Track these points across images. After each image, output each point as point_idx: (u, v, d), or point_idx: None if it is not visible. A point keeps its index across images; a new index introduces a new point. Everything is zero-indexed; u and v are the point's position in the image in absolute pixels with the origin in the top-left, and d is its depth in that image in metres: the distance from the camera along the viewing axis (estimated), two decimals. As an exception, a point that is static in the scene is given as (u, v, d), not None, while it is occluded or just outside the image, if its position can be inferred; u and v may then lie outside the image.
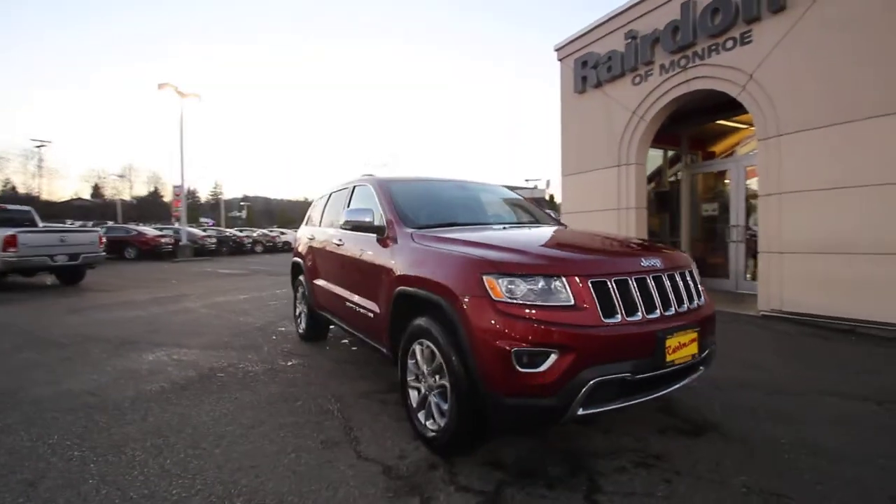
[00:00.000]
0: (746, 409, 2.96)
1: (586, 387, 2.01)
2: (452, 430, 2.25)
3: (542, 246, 2.51)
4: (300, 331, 5.05)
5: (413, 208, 3.30)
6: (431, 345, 2.41)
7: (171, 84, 18.16)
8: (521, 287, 2.09)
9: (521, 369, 2.01)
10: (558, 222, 3.99)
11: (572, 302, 2.07)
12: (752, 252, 6.82)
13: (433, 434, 2.38)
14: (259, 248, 28.07)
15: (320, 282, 4.31)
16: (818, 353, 4.33)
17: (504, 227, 3.19)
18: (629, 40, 7.18)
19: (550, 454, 2.44)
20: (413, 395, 2.66)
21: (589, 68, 7.94)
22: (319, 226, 4.68)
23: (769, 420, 2.81)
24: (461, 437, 2.27)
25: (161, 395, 3.36)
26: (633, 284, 2.21)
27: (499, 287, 2.10)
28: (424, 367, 2.52)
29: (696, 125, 8.09)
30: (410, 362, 2.65)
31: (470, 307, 2.13)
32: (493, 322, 2.06)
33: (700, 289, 2.59)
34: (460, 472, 2.26)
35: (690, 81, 6.45)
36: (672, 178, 8.87)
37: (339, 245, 3.83)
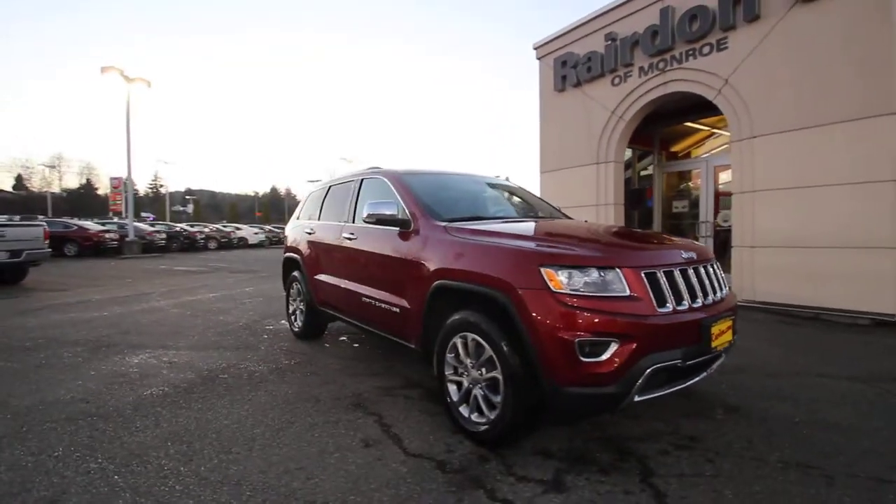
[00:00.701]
0: (754, 392, 3.17)
1: (645, 374, 2.08)
2: (507, 421, 2.26)
3: (589, 239, 2.56)
4: (295, 329, 4.87)
5: (435, 202, 3.26)
6: (478, 338, 2.40)
7: (117, 68, 16.79)
8: (580, 278, 2.13)
9: (583, 359, 2.05)
10: (565, 215, 4.08)
11: (628, 292, 2.13)
12: (720, 246, 7.27)
13: (484, 427, 2.38)
14: (213, 245, 26.67)
15: (324, 277, 4.17)
16: (795, 339, 4.70)
17: (533, 221, 3.23)
18: (609, 42, 7.43)
19: (593, 442, 2.50)
20: (452, 389, 2.64)
21: (569, 68, 8.14)
22: (319, 220, 4.53)
23: (777, 401, 3.03)
24: (515, 429, 2.29)
25: (166, 400, 3.14)
26: (678, 275, 2.31)
27: (558, 279, 2.12)
28: (468, 361, 2.51)
29: (667, 126, 8.50)
30: (450, 356, 2.63)
31: (529, 299, 2.15)
32: (554, 313, 2.09)
33: (724, 279, 2.74)
34: (514, 462, 2.28)
35: (668, 84, 6.78)
36: (640, 176, 9.29)
37: (350, 239, 3.72)
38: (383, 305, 3.23)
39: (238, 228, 32.44)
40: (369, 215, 3.16)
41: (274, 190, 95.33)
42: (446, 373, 2.66)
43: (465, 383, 2.54)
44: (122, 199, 33.73)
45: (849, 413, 2.83)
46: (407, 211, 3.12)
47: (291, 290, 4.99)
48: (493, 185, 4.12)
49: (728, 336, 2.41)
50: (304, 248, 4.59)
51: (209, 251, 25.24)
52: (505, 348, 2.24)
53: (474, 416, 2.48)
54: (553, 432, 2.59)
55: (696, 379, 2.39)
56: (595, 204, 7.83)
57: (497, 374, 2.31)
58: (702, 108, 7.18)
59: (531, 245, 2.34)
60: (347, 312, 3.86)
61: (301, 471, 2.21)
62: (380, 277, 3.29)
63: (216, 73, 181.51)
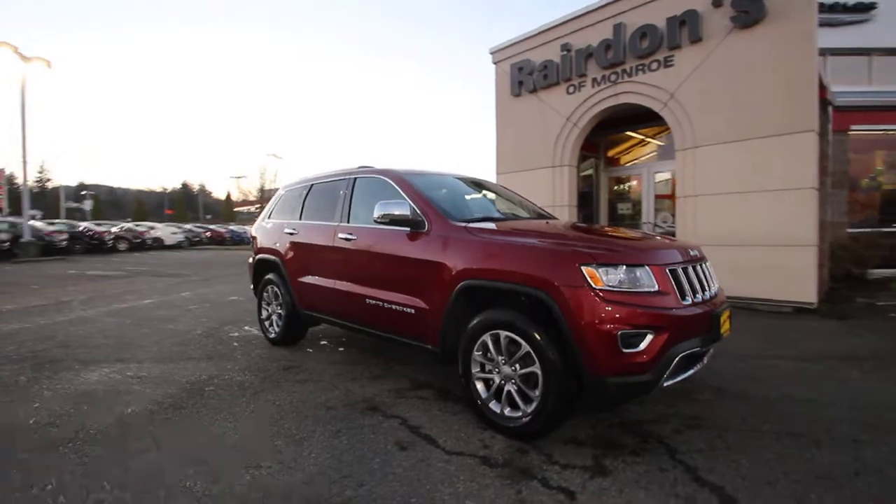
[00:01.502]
0: (728, 375, 3.57)
1: (674, 362, 2.28)
2: (549, 413, 2.35)
3: (614, 239, 2.72)
4: (271, 335, 4.60)
5: (443, 202, 3.28)
6: (513, 334, 2.47)
7: (10, 44, 14.54)
8: (617, 276, 2.28)
9: (624, 350, 2.20)
10: (551, 216, 4.27)
11: (657, 288, 2.32)
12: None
13: (522, 420, 2.45)
14: (124, 246, 24.04)
15: (312, 280, 4.00)
16: (740, 327, 5.30)
17: (540, 221, 3.36)
18: (564, 52, 7.85)
19: (614, 428, 2.67)
20: (480, 386, 2.69)
21: (525, 74, 8.48)
22: (301, 220, 4.33)
23: (749, 381, 3.44)
24: (554, 420, 2.39)
25: (155, 417, 2.85)
26: (690, 271, 2.55)
27: (599, 276, 2.26)
28: (499, 358, 2.57)
29: (610, 134, 9.15)
30: (477, 354, 2.67)
31: (572, 296, 2.26)
32: (597, 309, 2.22)
33: (715, 275, 3.06)
34: (552, 452, 2.38)
35: (619, 95, 7.32)
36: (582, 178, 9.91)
37: (347, 240, 3.60)
38: (394, 307, 3.18)
39: (152, 227, 29.54)
40: (382, 215, 3.10)
41: (186, 186, 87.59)
42: (473, 371, 2.71)
43: (497, 380, 2.60)
44: (4, 193, 29.32)
45: (808, 388, 3.29)
46: (419, 211, 3.10)
47: (265, 295, 4.70)
48: (482, 185, 4.21)
49: (728, 325, 2.71)
50: (284, 249, 4.36)
51: (120, 253, 22.74)
52: (545, 344, 2.34)
53: (507, 411, 2.54)
54: (575, 422, 2.73)
55: (700, 366, 2.66)
56: (552, 205, 8.23)
57: (535, 368, 2.39)
58: (642, 118, 7.86)
59: (568, 245, 2.46)
60: (344, 316, 3.74)
61: (348, 479, 2.14)
62: (389, 279, 3.24)
63: (116, 63, 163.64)
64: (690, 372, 2.54)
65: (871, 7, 9.66)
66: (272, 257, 4.52)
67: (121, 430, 2.66)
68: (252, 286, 5.08)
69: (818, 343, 4.55)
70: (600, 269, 2.27)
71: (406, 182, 3.41)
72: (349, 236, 3.60)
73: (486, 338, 2.61)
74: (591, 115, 7.71)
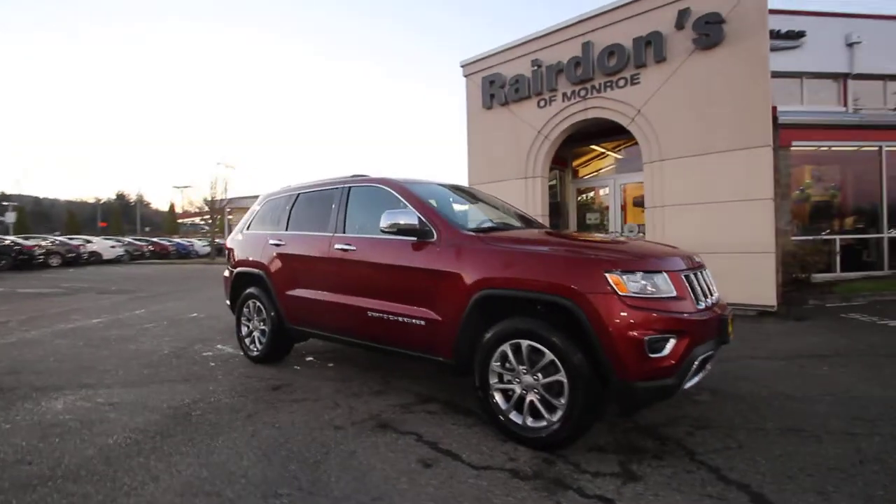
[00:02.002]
0: (719, 375, 3.73)
1: (695, 364, 2.35)
2: (575, 421, 2.34)
3: (629, 246, 2.77)
4: (253, 353, 4.33)
5: (448, 211, 3.25)
6: (535, 343, 2.46)
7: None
8: (639, 282, 2.33)
9: (650, 355, 2.25)
10: (542, 224, 4.34)
11: (675, 293, 2.39)
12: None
13: (548, 430, 2.42)
14: (55, 261, 22.02)
15: (304, 293, 3.82)
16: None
17: (547, 230, 3.39)
18: (535, 68, 8.09)
19: (631, 433, 2.71)
20: (499, 397, 2.65)
21: (497, 87, 8.65)
22: (287, 230, 4.14)
23: (739, 381, 3.61)
24: (581, 429, 2.39)
25: (142, 448, 2.58)
26: (699, 277, 2.66)
27: (624, 283, 2.30)
28: (521, 367, 2.55)
29: (578, 146, 9.49)
30: (495, 364, 2.64)
31: (599, 303, 2.28)
32: (623, 315, 2.25)
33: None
34: (578, 461, 2.37)
35: (588, 110, 7.62)
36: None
37: (346, 251, 3.47)
38: (400, 319, 3.08)
39: (88, 241, 27.31)
40: (390, 225, 3.01)
41: (122, 196, 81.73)
42: (491, 382, 2.66)
43: (518, 390, 2.57)
44: None
45: (793, 385, 3.50)
46: (425, 220, 3.05)
47: (245, 310, 4.44)
48: (472, 194, 4.21)
49: (731, 328, 2.84)
50: (269, 261, 4.13)
51: (53, 269, 20.82)
52: (570, 351, 2.34)
53: (530, 421, 2.52)
54: (593, 429, 2.74)
55: (710, 368, 2.76)
56: (524, 215, 8.39)
57: (560, 376, 2.39)
58: (609, 132, 8.22)
59: (589, 253, 2.49)
60: (340, 330, 3.58)
61: (380, 500, 2.03)
62: (395, 290, 3.14)
63: (41, 66, 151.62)
64: (704, 374, 2.62)
65: (801, 35, 10.69)
66: (255, 270, 4.28)
67: (106, 464, 2.39)
68: (229, 302, 4.78)
69: (786, 343, 4.87)
70: (624, 276, 2.31)
71: (408, 191, 3.35)
72: (347, 247, 3.47)
73: (506, 347, 2.59)
74: (562, 129, 7.96)
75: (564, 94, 7.83)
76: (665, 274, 2.41)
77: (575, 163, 10.43)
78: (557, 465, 2.34)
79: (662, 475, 2.23)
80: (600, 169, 10.66)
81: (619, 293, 2.28)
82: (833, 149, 9.69)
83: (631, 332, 2.24)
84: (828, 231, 9.70)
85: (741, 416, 2.91)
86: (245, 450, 2.55)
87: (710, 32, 6.20)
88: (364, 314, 3.31)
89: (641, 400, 2.34)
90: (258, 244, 4.34)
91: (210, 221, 32.96)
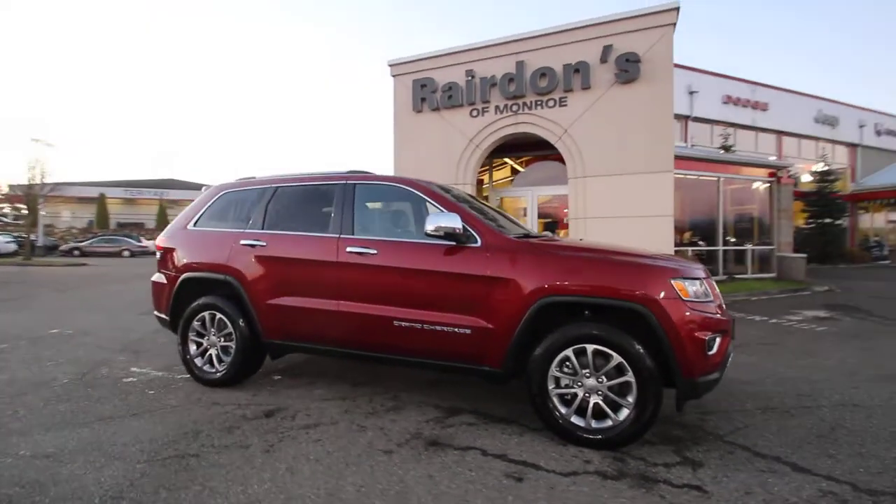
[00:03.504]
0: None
1: (730, 359, 2.72)
2: (645, 419, 2.50)
3: (666, 255, 3.02)
4: (211, 375, 3.60)
5: (484, 216, 3.18)
6: (602, 347, 2.57)
7: None
8: (695, 288, 2.61)
9: (708, 353, 2.53)
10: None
11: (712, 297, 2.74)
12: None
13: (618, 429, 2.53)
14: None
15: (296, 301, 3.33)
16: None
17: (569, 238, 3.51)
18: (469, 78, 8.32)
19: (665, 425, 2.94)
20: (557, 401, 2.68)
21: (428, 92, 8.66)
22: (264, 229, 3.57)
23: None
24: (648, 426, 2.55)
25: (145, 484, 1.99)
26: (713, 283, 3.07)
27: (686, 289, 2.55)
28: (584, 371, 2.63)
29: (497, 156, 10.00)
30: (554, 370, 2.67)
31: (669, 308, 2.48)
32: (689, 318, 2.49)
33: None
34: (643, 456, 2.53)
35: (519, 124, 8.12)
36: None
37: (363, 255, 3.14)
38: (438, 328, 2.90)
39: None
40: (437, 228, 2.83)
41: None
42: (549, 387, 2.69)
43: (580, 393, 2.64)
44: None
45: (735, 371, 4.21)
46: (468, 225, 2.94)
47: (196, 324, 3.67)
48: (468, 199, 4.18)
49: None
50: (243, 266, 3.50)
51: None
52: (640, 353, 2.50)
53: (594, 423, 2.61)
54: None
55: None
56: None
57: (628, 377, 2.53)
58: (529, 146, 8.88)
59: (653, 261, 2.68)
60: (351, 342, 3.21)
61: (511, 525, 1.90)
62: (433, 297, 2.94)
63: None
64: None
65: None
66: (218, 275, 3.58)
67: (115, 498, 1.79)
68: (162, 314, 3.90)
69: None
70: (686, 283, 2.57)
71: (437, 192, 3.19)
72: (365, 250, 3.14)
73: (568, 352, 2.64)
74: (493, 140, 8.33)
75: (497, 107, 8.21)
76: (705, 281, 2.73)
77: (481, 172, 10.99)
78: (630, 462, 2.47)
79: (714, 458, 2.51)
80: (498, 179, 11.40)
81: (683, 298, 2.52)
82: (687, 177, 11.94)
83: (696, 333, 2.49)
84: (677, 243, 11.89)
85: (725, 401, 3.41)
86: (302, 491, 2.14)
87: (629, 69, 7.15)
88: (389, 324, 3.04)
89: (699, 394, 2.60)
90: (221, 244, 3.64)
91: (20, 212, 26.07)
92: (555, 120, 7.81)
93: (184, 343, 3.72)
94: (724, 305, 2.90)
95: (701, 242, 11.96)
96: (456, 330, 2.87)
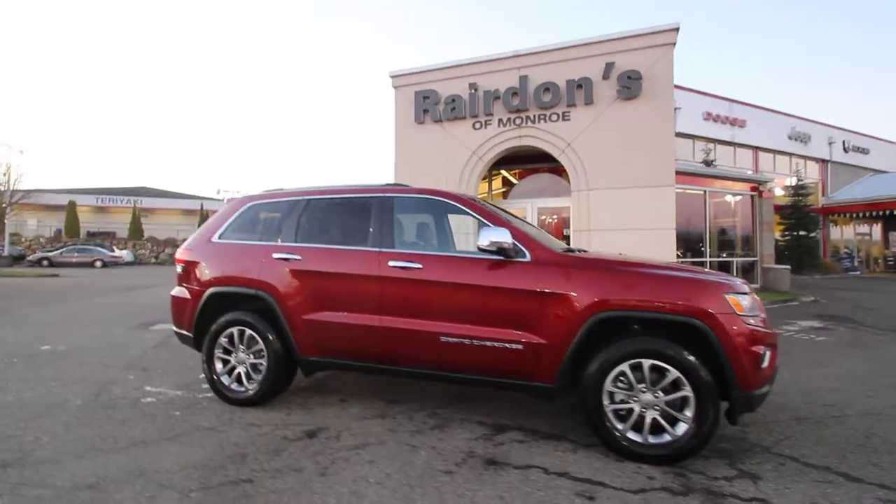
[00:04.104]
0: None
1: (777, 372, 2.78)
2: (705, 434, 2.52)
3: (710, 271, 3.09)
4: (242, 394, 3.46)
5: (531, 230, 3.20)
6: (659, 362, 2.59)
7: None
8: (747, 302, 2.67)
9: (762, 366, 2.58)
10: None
11: (759, 311, 2.80)
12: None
13: (677, 444, 2.54)
14: None
15: (335, 317, 3.25)
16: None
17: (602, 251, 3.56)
18: (472, 91, 8.40)
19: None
20: (613, 417, 2.68)
21: (431, 104, 8.69)
22: (297, 242, 3.49)
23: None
24: (707, 440, 2.57)
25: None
26: (750, 296, 3.15)
27: (740, 303, 2.60)
28: (640, 386, 2.64)
29: (493, 168, 10.09)
30: (609, 384, 2.68)
31: (726, 322, 2.53)
32: (744, 332, 2.55)
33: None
34: (701, 469, 2.55)
35: (523, 137, 8.22)
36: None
37: (407, 269, 3.09)
38: (489, 344, 2.88)
39: None
40: (490, 243, 2.83)
41: None
42: (604, 402, 2.69)
43: (637, 409, 2.65)
44: None
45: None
46: (517, 239, 2.94)
47: (223, 341, 3.54)
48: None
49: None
50: (277, 280, 3.40)
51: None
52: (699, 367, 2.53)
53: (651, 439, 2.62)
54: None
55: None
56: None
57: (687, 391, 2.55)
58: (531, 158, 8.99)
59: (706, 276, 2.73)
60: (395, 357, 3.15)
61: (602, 546, 1.88)
62: (483, 312, 2.92)
63: None
64: None
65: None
66: (250, 290, 3.47)
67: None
68: (187, 331, 3.75)
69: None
70: (738, 297, 2.62)
71: (480, 205, 3.19)
72: (409, 264, 3.10)
73: (624, 367, 2.65)
74: (496, 152, 8.41)
75: (500, 120, 8.31)
76: (751, 295, 2.80)
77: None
78: (691, 477, 2.48)
79: (769, 470, 2.56)
80: (493, 190, 11.53)
81: (738, 313, 2.58)
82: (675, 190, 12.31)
83: (751, 347, 2.54)
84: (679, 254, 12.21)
85: (759, 412, 3.41)
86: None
87: (630, 86, 7.35)
88: (435, 340, 3.00)
89: (754, 407, 2.64)
90: (251, 258, 3.53)
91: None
92: (558, 134, 7.94)
93: (209, 361, 3.58)
94: (767, 319, 2.98)
95: (688, 254, 12.31)
96: (507, 345, 2.86)
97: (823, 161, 21.97)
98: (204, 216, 36.01)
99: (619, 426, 2.67)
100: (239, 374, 3.52)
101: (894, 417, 3.37)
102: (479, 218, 3.14)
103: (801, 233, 18.66)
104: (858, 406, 3.63)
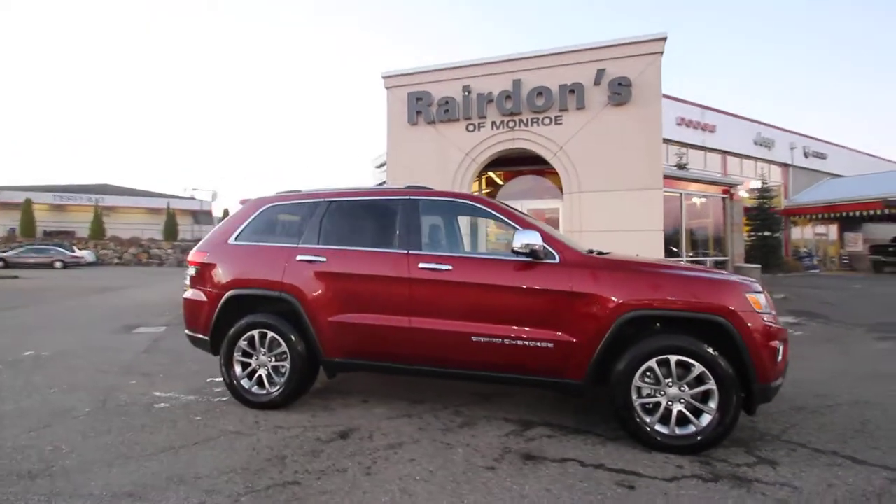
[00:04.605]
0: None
1: (787, 366, 2.98)
2: (727, 424, 2.69)
3: (715, 270, 3.28)
4: (265, 397, 3.44)
5: (556, 232, 3.30)
6: (684, 357, 2.74)
7: None
8: (763, 300, 2.85)
9: (777, 360, 2.77)
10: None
11: (771, 309, 3.00)
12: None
13: (702, 435, 2.70)
14: None
15: (362, 318, 3.27)
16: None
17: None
18: (466, 93, 8.50)
19: (717, 427, 3.19)
20: (640, 410, 2.82)
21: (424, 105, 8.73)
22: (320, 244, 3.49)
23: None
24: (729, 430, 2.74)
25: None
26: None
27: (759, 301, 2.79)
28: (666, 380, 2.79)
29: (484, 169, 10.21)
30: (637, 380, 2.81)
31: (748, 320, 2.70)
32: (763, 328, 2.73)
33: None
34: (723, 457, 2.72)
35: (516, 140, 8.38)
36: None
37: (437, 271, 3.15)
38: (520, 343, 2.97)
39: None
40: (524, 245, 2.92)
41: None
42: (633, 397, 2.82)
43: (663, 402, 2.80)
44: None
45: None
46: (546, 242, 3.05)
47: (242, 344, 3.50)
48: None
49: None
50: (304, 282, 3.38)
51: None
52: (722, 362, 2.70)
53: (678, 430, 2.77)
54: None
55: None
56: (451, 233, 8.62)
57: (710, 385, 2.71)
58: (523, 160, 9.16)
59: (727, 276, 2.91)
60: (425, 358, 3.19)
61: (655, 531, 2.00)
62: (514, 312, 3.01)
63: None
64: None
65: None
66: (273, 292, 3.44)
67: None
68: (203, 335, 3.67)
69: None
70: (757, 296, 2.80)
71: (507, 209, 3.28)
72: (440, 266, 3.16)
73: (652, 363, 2.79)
74: (489, 154, 8.53)
75: (493, 123, 8.43)
76: (764, 293, 2.99)
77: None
78: (715, 465, 2.64)
79: (783, 456, 2.74)
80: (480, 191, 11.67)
81: (757, 310, 2.76)
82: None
83: (769, 342, 2.73)
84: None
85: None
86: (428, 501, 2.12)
87: (621, 92, 7.61)
88: (466, 340, 3.07)
89: (770, 398, 2.83)
90: (274, 260, 3.51)
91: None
92: (551, 137, 8.13)
93: (227, 364, 3.53)
94: (777, 316, 3.18)
95: (664, 254, 12.80)
96: (538, 344, 2.95)
97: (785, 165, 23.23)
98: (171, 215, 34.75)
99: (647, 419, 2.80)
100: (260, 376, 3.49)
101: (882, 405, 3.65)
102: (508, 221, 3.23)
103: (766, 233, 19.66)
104: (847, 395, 3.91)
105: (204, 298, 3.67)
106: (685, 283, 2.87)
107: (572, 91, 7.91)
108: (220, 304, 3.56)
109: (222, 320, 3.58)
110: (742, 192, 20.84)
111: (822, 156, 24.83)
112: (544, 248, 3.00)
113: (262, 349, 3.49)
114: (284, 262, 3.47)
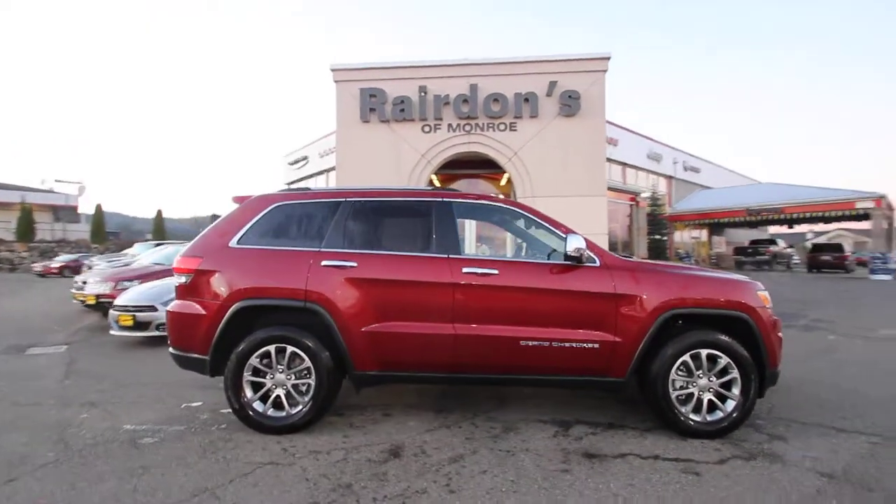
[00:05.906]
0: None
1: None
2: (747, 408, 3.03)
3: (724, 272, 3.65)
4: (288, 419, 3.06)
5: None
6: (714, 351, 3.04)
7: None
8: (767, 296, 3.27)
9: (780, 349, 3.21)
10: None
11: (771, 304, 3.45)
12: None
13: (729, 420, 3.00)
14: None
15: (403, 327, 3.08)
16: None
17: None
18: (422, 94, 8.41)
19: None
20: (675, 401, 3.06)
21: (378, 103, 8.46)
22: (345, 247, 3.22)
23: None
24: (750, 413, 3.09)
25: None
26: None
27: (767, 298, 3.19)
28: (699, 372, 3.06)
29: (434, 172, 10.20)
30: (674, 374, 3.05)
31: (763, 315, 3.09)
32: (771, 321, 3.14)
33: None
34: (745, 438, 3.06)
35: (472, 144, 8.50)
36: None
37: (484, 276, 3.09)
38: (567, 345, 3.04)
39: None
40: (576, 249, 2.99)
41: None
42: (670, 389, 3.06)
43: (696, 392, 3.07)
44: None
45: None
46: (584, 246, 3.16)
47: (254, 362, 3.09)
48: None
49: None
50: (332, 289, 3.08)
51: None
52: (743, 352, 3.04)
53: (708, 417, 3.06)
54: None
55: None
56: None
57: (734, 374, 3.04)
58: (475, 164, 9.34)
59: (741, 278, 3.27)
60: (470, 365, 3.10)
61: (747, 511, 2.18)
62: (562, 315, 3.06)
63: None
64: None
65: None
66: (296, 302, 3.09)
67: None
68: (200, 354, 3.16)
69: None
70: (765, 293, 3.21)
71: (544, 214, 3.34)
72: (486, 270, 3.10)
73: (686, 357, 3.05)
74: (445, 156, 8.56)
75: (450, 125, 8.47)
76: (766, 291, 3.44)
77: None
78: (744, 445, 2.95)
79: (785, 431, 3.17)
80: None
81: (766, 306, 3.16)
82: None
83: (777, 333, 3.14)
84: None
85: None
86: (548, 523, 2.09)
87: (570, 104, 8.14)
88: (515, 344, 3.06)
89: (776, 381, 3.24)
90: (294, 265, 3.15)
91: None
92: (505, 143, 8.41)
93: (235, 387, 3.08)
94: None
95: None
96: (585, 345, 3.05)
97: (669, 177, 26.69)
98: (27, 211, 29.14)
99: (682, 409, 3.05)
100: (279, 397, 3.11)
101: (833, 383, 4.28)
102: (547, 226, 3.29)
103: (657, 236, 22.41)
104: (798, 375, 4.55)
105: (201, 311, 3.17)
106: (710, 284, 3.18)
107: (527, 100, 8.26)
108: (227, 317, 3.10)
109: (228, 336, 3.12)
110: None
111: (696, 170, 28.98)
112: (586, 252, 3.12)
113: (279, 366, 3.11)
114: (306, 267, 3.14)
